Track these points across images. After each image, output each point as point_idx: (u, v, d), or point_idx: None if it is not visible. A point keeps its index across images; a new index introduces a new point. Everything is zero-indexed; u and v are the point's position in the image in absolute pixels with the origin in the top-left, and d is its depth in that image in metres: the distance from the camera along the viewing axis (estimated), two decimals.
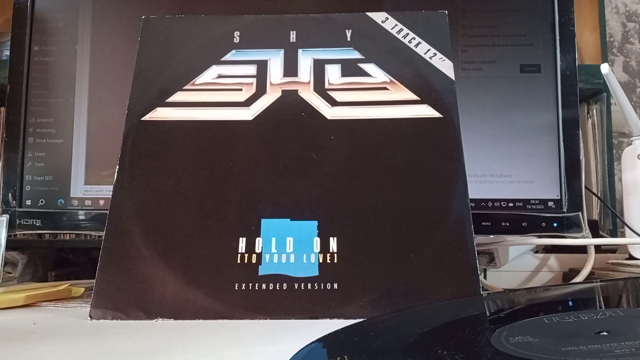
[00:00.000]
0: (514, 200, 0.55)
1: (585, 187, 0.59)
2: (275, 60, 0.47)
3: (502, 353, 0.23)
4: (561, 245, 0.59)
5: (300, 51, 0.47)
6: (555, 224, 0.54)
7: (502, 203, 0.55)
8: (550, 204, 0.55)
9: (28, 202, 0.57)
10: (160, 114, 0.45)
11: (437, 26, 0.47)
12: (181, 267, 0.39)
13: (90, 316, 0.38)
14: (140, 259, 0.39)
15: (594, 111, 0.74)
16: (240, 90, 0.46)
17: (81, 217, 0.57)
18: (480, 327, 0.30)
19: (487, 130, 0.56)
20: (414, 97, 0.45)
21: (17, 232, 0.57)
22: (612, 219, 0.74)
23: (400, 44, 0.47)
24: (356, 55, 0.47)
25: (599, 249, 0.64)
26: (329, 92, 0.45)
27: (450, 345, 0.26)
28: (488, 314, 0.34)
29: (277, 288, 0.38)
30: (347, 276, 0.38)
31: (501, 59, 0.57)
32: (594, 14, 0.81)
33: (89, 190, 0.57)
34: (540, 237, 0.56)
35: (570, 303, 0.35)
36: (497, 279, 0.67)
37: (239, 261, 0.39)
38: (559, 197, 0.55)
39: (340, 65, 0.47)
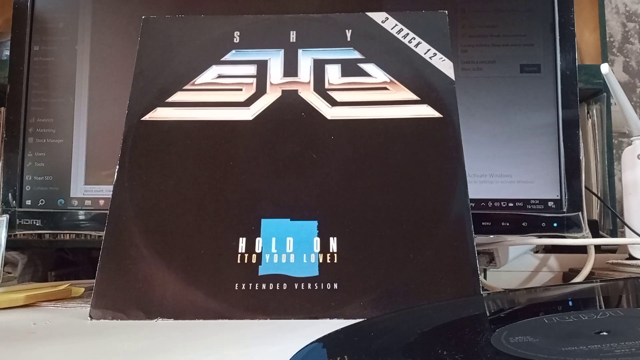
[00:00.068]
0: (514, 200, 0.55)
1: (585, 187, 0.59)
2: (275, 60, 0.47)
3: (502, 353, 0.23)
4: (561, 245, 0.59)
5: (300, 51, 0.47)
6: (555, 224, 0.54)
7: (502, 203, 0.55)
8: (550, 204, 0.55)
9: (28, 202, 0.57)
10: (160, 114, 0.45)
11: (437, 26, 0.47)
12: (181, 267, 0.39)
13: (90, 316, 0.38)
14: (140, 259, 0.39)
15: (594, 111, 0.74)
16: (240, 90, 0.46)
17: (81, 217, 0.57)
18: (480, 327, 0.30)
19: (487, 130, 0.56)
20: (414, 97, 0.45)
21: (17, 232, 0.57)
22: (612, 219, 0.74)
23: (400, 44, 0.47)
24: (356, 55, 0.47)
25: (599, 249, 0.64)
26: (329, 92, 0.45)
27: (450, 345, 0.26)
28: (488, 314, 0.34)
29: (277, 288, 0.38)
30: (347, 276, 0.38)
31: (501, 59, 0.57)
32: (594, 14, 0.81)
33: (89, 190, 0.57)
34: (540, 237, 0.56)
35: (570, 303, 0.35)
36: (497, 279, 0.67)
37: (239, 261, 0.39)
38: (559, 197, 0.55)
39: (340, 65, 0.47)
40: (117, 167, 0.43)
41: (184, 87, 0.46)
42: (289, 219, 0.41)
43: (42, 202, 0.57)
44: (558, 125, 0.55)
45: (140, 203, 0.41)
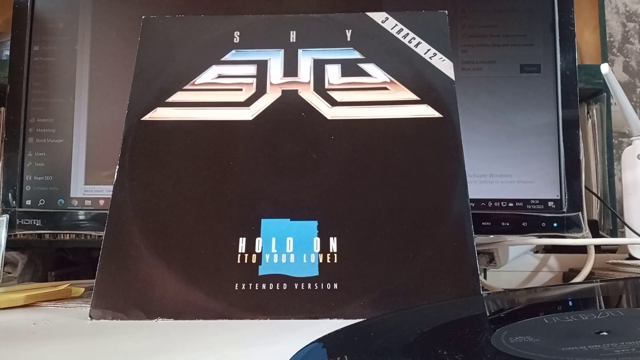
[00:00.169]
0: (514, 200, 0.55)
1: (585, 187, 0.59)
2: (275, 60, 0.47)
3: (502, 353, 0.23)
4: (561, 245, 0.59)
5: (300, 51, 0.47)
6: (555, 224, 0.54)
7: (502, 203, 0.55)
8: (550, 204, 0.55)
9: (28, 202, 0.57)
10: (160, 114, 0.45)
11: (437, 26, 0.47)
12: (181, 267, 0.39)
13: (90, 316, 0.38)
14: (140, 259, 0.39)
15: (594, 111, 0.74)
16: (240, 90, 0.46)
17: (81, 217, 0.57)
18: (480, 327, 0.30)
19: (487, 130, 0.56)
20: (414, 97, 0.45)
21: (17, 232, 0.57)
22: (612, 219, 0.74)
23: (400, 44, 0.47)
24: (356, 55, 0.47)
25: (599, 249, 0.64)
26: (329, 92, 0.45)
27: (450, 345, 0.26)
28: (488, 314, 0.34)
29: (277, 288, 0.38)
30: (347, 276, 0.38)
31: (501, 59, 0.57)
32: (594, 14, 0.81)
33: (89, 190, 0.57)
34: (540, 237, 0.56)
35: (570, 303, 0.35)
36: (497, 279, 0.67)
37: (239, 261, 0.39)
38: (559, 197, 0.55)
39: (340, 65, 0.47)
40: (117, 167, 0.43)
41: (184, 87, 0.46)
42: (289, 219, 0.41)
43: (42, 202, 0.57)
44: (558, 125, 0.55)
45: (140, 203, 0.41)
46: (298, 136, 0.44)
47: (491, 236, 0.56)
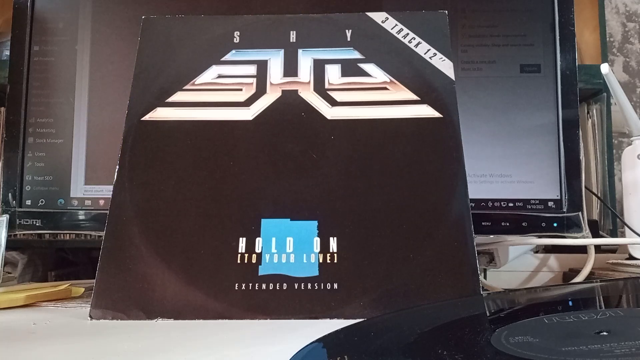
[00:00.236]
0: (514, 200, 0.55)
1: (585, 187, 0.59)
2: (275, 60, 0.47)
3: (502, 353, 0.23)
4: (561, 245, 0.59)
5: (300, 51, 0.47)
6: (555, 224, 0.54)
7: (502, 203, 0.55)
8: (550, 204, 0.55)
9: (28, 202, 0.57)
10: (160, 114, 0.45)
11: (437, 26, 0.47)
12: (181, 267, 0.39)
13: (90, 316, 0.38)
14: (140, 259, 0.39)
15: (594, 111, 0.75)
16: (240, 90, 0.46)
17: (81, 217, 0.57)
18: (480, 327, 0.30)
19: (487, 130, 0.56)
20: (414, 97, 0.45)
21: (17, 232, 0.57)
22: (612, 219, 0.74)
23: (400, 44, 0.47)
24: (356, 55, 0.47)
25: (599, 249, 0.64)
26: (329, 92, 0.45)
27: (450, 345, 0.26)
28: (488, 314, 0.34)
29: (277, 288, 0.38)
30: (347, 276, 0.38)
31: (501, 59, 0.57)
32: (594, 14, 0.81)
33: (89, 190, 0.57)
34: (540, 237, 0.56)
35: (570, 303, 0.35)
36: (497, 279, 0.67)
37: (239, 261, 0.39)
38: (559, 197, 0.55)
39: (340, 65, 0.47)
40: (117, 167, 0.43)
41: (184, 87, 0.46)
42: (289, 219, 0.41)
43: (42, 202, 0.57)
44: (558, 125, 0.55)
45: (140, 203, 0.41)
46: (298, 136, 0.44)
47: (491, 236, 0.56)
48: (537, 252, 0.70)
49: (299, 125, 0.44)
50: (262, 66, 0.47)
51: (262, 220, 0.41)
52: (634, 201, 0.60)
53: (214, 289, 0.38)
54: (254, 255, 0.39)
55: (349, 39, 0.47)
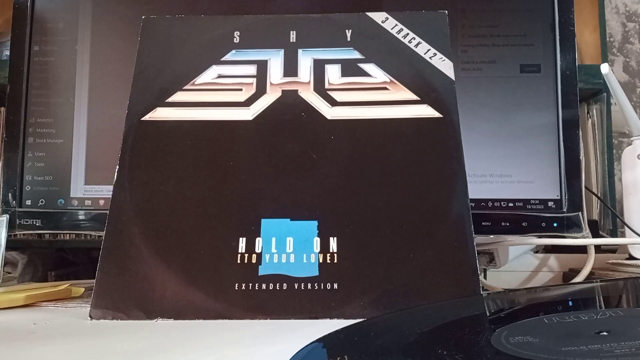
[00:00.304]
0: (514, 200, 0.55)
1: (585, 187, 0.59)
2: (275, 60, 0.47)
3: (502, 353, 0.23)
4: (561, 245, 0.59)
5: (300, 51, 0.47)
6: (555, 224, 0.54)
7: (502, 203, 0.55)
8: (550, 204, 0.55)
9: (28, 202, 0.57)
10: (160, 114, 0.45)
11: (437, 26, 0.47)
12: (181, 267, 0.39)
13: (90, 316, 0.38)
14: (140, 259, 0.39)
15: (594, 111, 0.75)
16: (240, 90, 0.46)
17: (81, 217, 0.57)
18: (480, 327, 0.30)
19: (487, 130, 0.56)
20: (414, 97, 0.45)
21: (17, 232, 0.57)
22: (612, 219, 0.74)
23: (400, 44, 0.47)
24: (356, 55, 0.47)
25: (599, 249, 0.64)
26: (329, 92, 0.45)
27: (450, 345, 0.26)
28: (488, 314, 0.34)
29: (277, 288, 0.38)
30: (347, 276, 0.38)
31: (501, 59, 0.57)
32: (594, 14, 0.81)
33: (89, 190, 0.57)
34: (540, 237, 0.56)
35: (570, 303, 0.35)
36: (497, 279, 0.67)
37: (239, 261, 0.39)
38: (559, 197, 0.55)
39: (340, 65, 0.47)
40: (117, 167, 0.43)
41: (184, 87, 0.46)
42: (289, 219, 0.41)
43: (42, 202, 0.57)
44: (558, 125, 0.55)
45: (140, 203, 0.41)
46: (298, 136, 0.44)
47: (491, 236, 0.56)
48: (537, 252, 0.70)
49: (299, 125, 0.44)
50: (262, 66, 0.47)
51: (262, 220, 0.41)
52: (634, 201, 0.60)
53: (214, 289, 0.38)
54: (254, 255, 0.39)
55: (349, 39, 0.47)
